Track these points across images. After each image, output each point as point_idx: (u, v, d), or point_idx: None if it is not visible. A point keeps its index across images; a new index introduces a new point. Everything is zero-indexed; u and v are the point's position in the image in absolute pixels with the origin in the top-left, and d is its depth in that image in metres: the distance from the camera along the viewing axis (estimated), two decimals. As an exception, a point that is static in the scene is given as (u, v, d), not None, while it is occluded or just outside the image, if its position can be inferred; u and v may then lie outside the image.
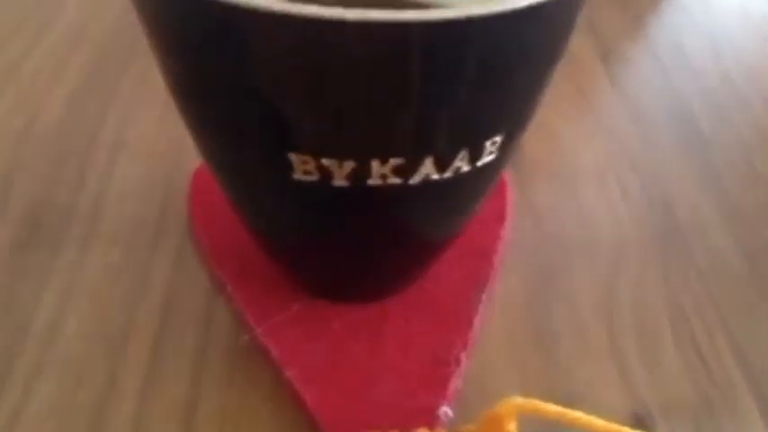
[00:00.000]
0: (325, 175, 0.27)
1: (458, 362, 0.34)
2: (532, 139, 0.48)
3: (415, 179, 0.28)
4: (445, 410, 0.32)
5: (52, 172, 0.45)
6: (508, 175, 0.44)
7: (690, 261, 0.41)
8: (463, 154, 0.28)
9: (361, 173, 0.27)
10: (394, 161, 0.27)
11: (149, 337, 0.36)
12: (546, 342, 0.37)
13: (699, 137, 0.50)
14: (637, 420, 0.33)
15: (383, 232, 0.32)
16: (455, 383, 0.33)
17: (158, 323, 0.37)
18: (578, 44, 0.57)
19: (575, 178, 0.46)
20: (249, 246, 0.37)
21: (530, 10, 0.24)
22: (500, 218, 0.42)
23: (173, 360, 0.35)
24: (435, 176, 0.28)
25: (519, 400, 0.29)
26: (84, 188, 0.44)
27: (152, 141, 0.46)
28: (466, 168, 0.29)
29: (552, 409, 0.29)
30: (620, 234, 0.42)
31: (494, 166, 0.30)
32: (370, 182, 0.27)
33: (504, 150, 0.30)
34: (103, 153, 0.46)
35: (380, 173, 0.27)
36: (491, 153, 0.29)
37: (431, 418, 0.32)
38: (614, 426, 0.29)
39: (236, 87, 0.25)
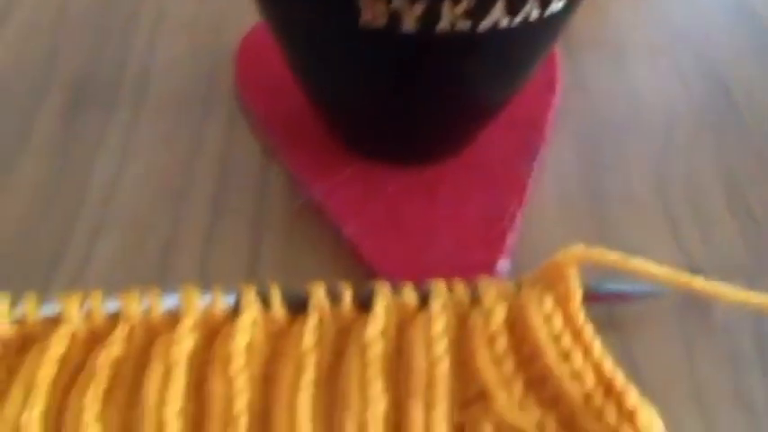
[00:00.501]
0: (394, 18, 0.27)
1: (512, 218, 0.34)
2: (584, 16, 0.46)
3: (485, 25, 0.27)
4: (503, 264, 0.33)
5: (95, 48, 0.44)
6: (558, 49, 0.44)
7: (745, 137, 0.40)
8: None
9: (430, 16, 0.27)
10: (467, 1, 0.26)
11: (207, 199, 0.36)
12: (599, 208, 0.37)
13: (756, 18, 0.48)
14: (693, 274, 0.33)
15: (444, 87, 0.31)
16: (511, 239, 0.34)
17: (214, 187, 0.37)
18: None
19: (626, 55, 0.45)
20: (300, 111, 0.37)
21: None
22: (551, 88, 0.41)
23: (231, 221, 0.35)
24: (504, 23, 0.28)
25: (580, 249, 0.30)
26: (128, 63, 0.43)
27: (194, 12, 0.45)
28: (535, 15, 0.28)
29: (613, 256, 0.30)
30: (672, 109, 0.42)
31: (560, 17, 0.30)
32: (439, 27, 0.27)
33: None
34: (145, 26, 0.45)
35: (450, 17, 0.27)
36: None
37: (489, 270, 0.32)
38: (675, 273, 0.30)
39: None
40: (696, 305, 0.32)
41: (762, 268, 0.34)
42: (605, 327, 0.29)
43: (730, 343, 0.31)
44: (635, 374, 0.28)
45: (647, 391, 0.27)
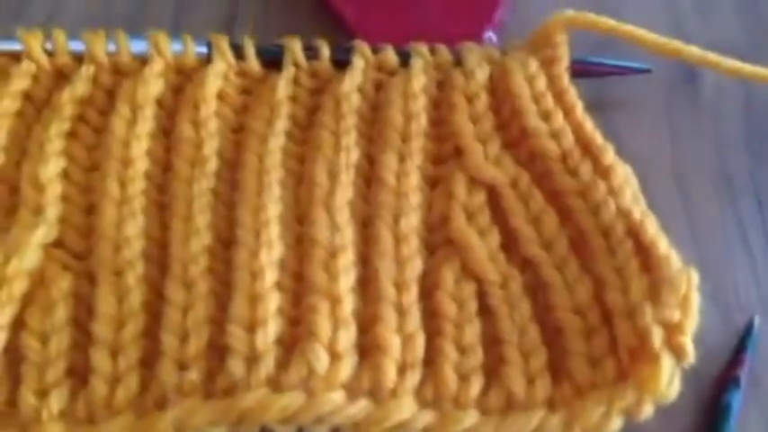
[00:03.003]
0: None
1: (504, -7, 0.33)
2: None
3: None
4: (490, 36, 0.31)
5: None
6: None
7: None
8: None
9: None
10: None
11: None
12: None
13: None
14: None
15: None
16: (501, 12, 0.32)
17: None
18: None
19: None
20: None
21: None
22: None
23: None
24: None
25: (571, 13, 0.28)
26: None
27: None
28: None
29: (606, 21, 0.28)
30: None
31: None
32: None
33: None
34: None
35: None
36: None
37: (476, 41, 0.31)
38: (668, 41, 0.28)
39: None
40: (685, 84, 0.31)
41: (756, 51, 0.32)
42: (593, 106, 0.28)
43: (716, 124, 0.31)
44: (619, 153, 0.27)
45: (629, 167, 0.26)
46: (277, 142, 0.26)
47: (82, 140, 0.27)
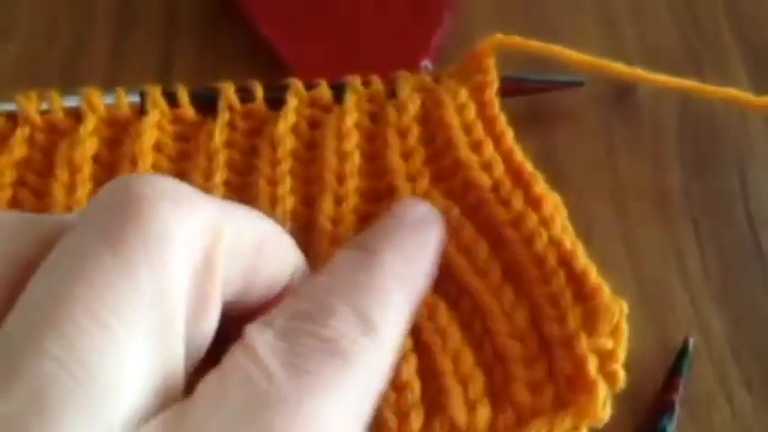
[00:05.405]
0: None
1: (440, 20, 0.33)
2: None
3: None
4: (426, 64, 0.31)
5: None
6: None
7: None
8: None
9: None
10: None
11: (112, 4, 0.35)
12: (535, 8, 0.35)
13: None
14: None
15: None
16: (437, 40, 0.32)
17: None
18: None
19: None
20: None
21: None
22: None
23: (142, 21, 0.34)
24: None
25: (500, 37, 0.28)
26: None
27: None
28: None
29: (535, 44, 0.28)
30: None
31: None
32: None
33: None
34: None
35: None
36: None
37: (412, 70, 0.31)
38: (596, 59, 0.28)
39: None
40: (620, 95, 0.31)
41: (693, 59, 0.32)
42: (527, 123, 0.28)
43: (654, 137, 0.31)
44: (556, 170, 0.27)
45: (566, 185, 0.26)
46: (217, 195, 0.27)
47: (23, 206, 0.27)
